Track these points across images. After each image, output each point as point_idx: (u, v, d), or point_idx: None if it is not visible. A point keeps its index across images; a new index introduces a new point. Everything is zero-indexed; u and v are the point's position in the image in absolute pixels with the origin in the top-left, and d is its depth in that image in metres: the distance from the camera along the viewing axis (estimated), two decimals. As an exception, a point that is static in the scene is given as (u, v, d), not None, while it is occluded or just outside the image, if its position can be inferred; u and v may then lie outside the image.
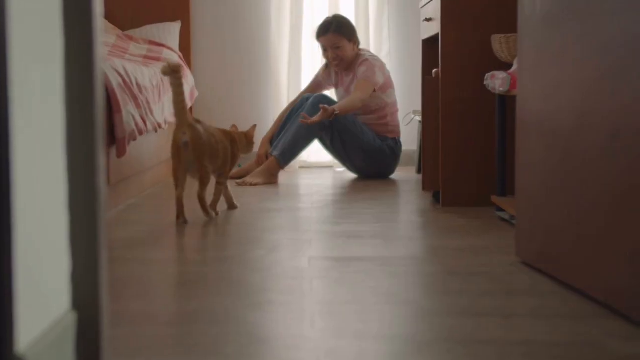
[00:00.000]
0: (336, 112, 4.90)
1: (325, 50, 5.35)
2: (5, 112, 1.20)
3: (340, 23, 5.29)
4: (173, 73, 3.48)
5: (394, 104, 5.31)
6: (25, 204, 1.33)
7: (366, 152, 5.13)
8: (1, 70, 1.19)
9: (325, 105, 4.88)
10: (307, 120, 4.79)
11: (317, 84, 5.57)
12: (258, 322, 2.01)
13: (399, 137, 5.32)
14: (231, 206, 3.91)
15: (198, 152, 3.48)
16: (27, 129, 1.33)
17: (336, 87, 5.51)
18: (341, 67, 5.35)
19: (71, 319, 1.52)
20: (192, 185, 3.63)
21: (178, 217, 3.52)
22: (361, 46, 5.50)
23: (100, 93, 1.57)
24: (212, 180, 3.67)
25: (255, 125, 4.09)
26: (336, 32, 5.23)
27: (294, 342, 1.85)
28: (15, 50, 1.27)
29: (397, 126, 5.34)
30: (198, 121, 3.60)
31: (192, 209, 3.62)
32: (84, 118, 1.53)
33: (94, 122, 1.54)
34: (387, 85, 5.24)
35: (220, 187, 3.77)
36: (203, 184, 3.56)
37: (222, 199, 3.87)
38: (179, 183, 3.52)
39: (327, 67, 5.49)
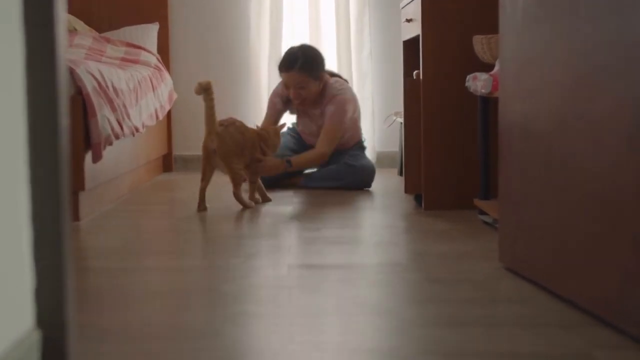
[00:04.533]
0: (289, 169, 4.49)
1: (286, 87, 4.73)
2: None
3: (307, 58, 4.64)
4: (205, 91, 4.00)
5: (359, 117, 5.01)
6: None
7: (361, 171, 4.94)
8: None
9: (279, 160, 4.41)
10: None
11: (277, 113, 4.93)
12: (234, 335, 1.95)
13: (361, 138, 5.05)
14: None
15: (224, 156, 3.96)
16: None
17: (297, 114, 4.99)
18: (304, 105, 4.82)
19: (35, 337, 1.45)
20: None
21: (199, 206, 4.00)
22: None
23: (64, 98, 1.50)
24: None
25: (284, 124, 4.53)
26: (302, 71, 4.60)
27: (271, 357, 1.79)
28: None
29: (359, 129, 5.05)
30: (232, 123, 4.07)
31: (172, 215, 3.56)
32: (47, 126, 1.47)
33: (58, 130, 1.47)
34: (355, 110, 4.88)
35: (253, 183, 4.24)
36: (235, 183, 4.01)
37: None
38: (204, 177, 4.03)
39: (283, 92, 4.87)
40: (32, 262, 1.47)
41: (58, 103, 1.47)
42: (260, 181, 4.28)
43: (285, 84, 4.73)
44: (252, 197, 4.19)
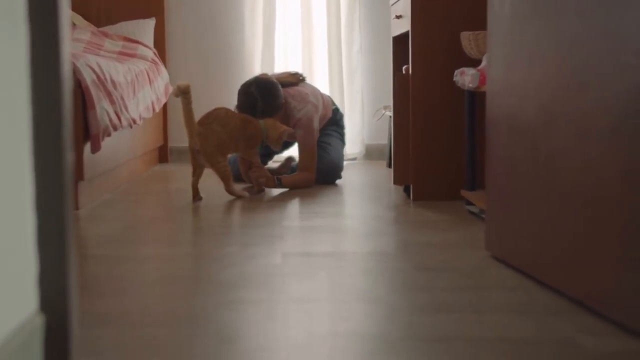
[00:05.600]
0: (278, 186, 4.38)
1: None
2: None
3: (267, 101, 4.37)
4: (183, 94, 3.91)
5: (321, 101, 4.81)
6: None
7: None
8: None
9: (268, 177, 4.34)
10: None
11: None
12: (230, 321, 1.95)
13: (332, 114, 4.93)
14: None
15: (208, 156, 3.96)
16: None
17: None
18: None
19: (39, 321, 1.45)
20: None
21: (194, 197, 4.02)
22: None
23: (68, 91, 1.49)
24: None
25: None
26: (264, 114, 4.36)
27: (265, 342, 1.79)
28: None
29: (329, 106, 4.90)
30: (215, 117, 4.01)
31: (168, 205, 3.54)
32: (51, 116, 1.46)
33: (62, 121, 1.46)
34: (318, 108, 4.69)
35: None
36: (225, 181, 4.02)
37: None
38: (195, 173, 4.04)
39: None
40: (36, 248, 1.47)
41: (61, 97, 1.46)
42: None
43: None
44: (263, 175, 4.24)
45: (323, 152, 4.68)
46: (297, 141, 4.55)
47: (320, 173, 4.60)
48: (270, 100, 4.39)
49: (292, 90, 4.66)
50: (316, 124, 4.60)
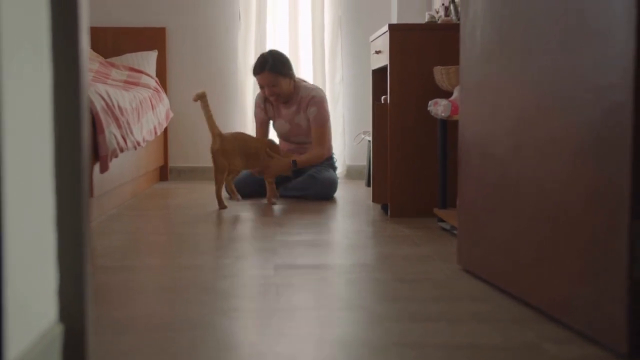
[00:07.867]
0: (294, 168, 4.53)
1: (261, 87, 4.77)
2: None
3: (276, 60, 4.65)
4: (201, 98, 4.09)
5: (330, 134, 4.92)
6: (15, 221, 1.25)
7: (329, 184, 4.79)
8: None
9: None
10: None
11: (263, 122, 4.97)
12: (227, 328, 1.94)
13: (331, 156, 4.95)
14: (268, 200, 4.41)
15: (227, 155, 4.11)
16: (17, 151, 1.25)
17: (274, 119, 4.93)
18: (279, 101, 4.81)
19: (58, 331, 1.44)
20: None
21: (220, 206, 4.10)
22: (303, 75, 5.32)
23: (86, 119, 1.49)
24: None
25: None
26: (271, 71, 4.62)
27: (260, 349, 1.78)
28: (6, 79, 1.19)
29: (330, 148, 4.93)
30: (236, 134, 4.24)
31: (166, 221, 3.52)
32: (71, 141, 1.46)
33: (81, 145, 1.46)
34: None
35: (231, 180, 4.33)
36: (231, 173, 4.18)
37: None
38: (218, 181, 4.13)
39: (261, 102, 4.91)
40: (56, 262, 1.46)
41: (80, 125, 1.46)
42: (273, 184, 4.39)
43: (260, 85, 4.77)
44: (270, 197, 4.34)
45: (323, 168, 4.75)
46: (311, 118, 4.70)
47: (318, 186, 4.62)
48: (279, 63, 4.66)
49: (305, 82, 4.90)
50: (328, 115, 4.75)
